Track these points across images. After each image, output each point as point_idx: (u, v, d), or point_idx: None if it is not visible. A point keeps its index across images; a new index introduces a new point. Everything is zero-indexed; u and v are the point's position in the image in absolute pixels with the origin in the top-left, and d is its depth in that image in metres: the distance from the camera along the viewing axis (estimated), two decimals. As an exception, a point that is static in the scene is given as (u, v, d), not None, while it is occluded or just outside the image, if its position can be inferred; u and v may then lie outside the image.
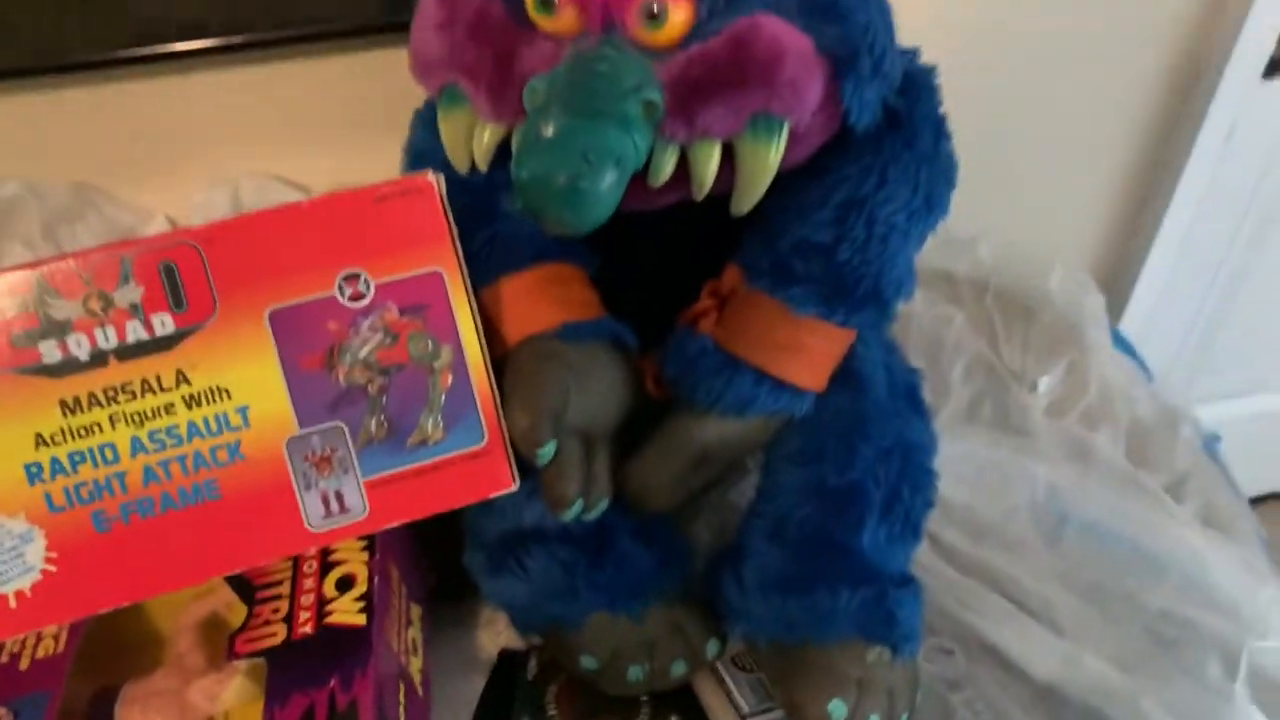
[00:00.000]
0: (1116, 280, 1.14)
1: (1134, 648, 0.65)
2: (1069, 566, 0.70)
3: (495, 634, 0.69)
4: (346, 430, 0.52)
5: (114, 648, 0.59)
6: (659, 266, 0.65)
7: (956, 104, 0.89)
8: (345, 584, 0.57)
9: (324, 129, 0.82)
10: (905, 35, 0.61)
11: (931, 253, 0.91)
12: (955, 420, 0.80)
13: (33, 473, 0.49)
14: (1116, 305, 1.15)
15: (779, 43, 0.51)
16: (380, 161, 0.78)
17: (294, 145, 0.83)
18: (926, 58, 0.63)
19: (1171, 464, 0.85)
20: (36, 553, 0.49)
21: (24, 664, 0.55)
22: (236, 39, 0.75)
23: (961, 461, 0.74)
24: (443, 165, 0.57)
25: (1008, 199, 1.01)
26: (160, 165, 0.81)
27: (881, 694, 0.57)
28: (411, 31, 0.57)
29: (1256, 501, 1.75)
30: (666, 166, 0.52)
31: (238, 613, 0.57)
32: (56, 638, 0.56)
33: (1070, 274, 0.89)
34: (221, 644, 0.55)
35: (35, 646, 0.56)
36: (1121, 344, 1.00)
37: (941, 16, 0.86)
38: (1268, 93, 1.05)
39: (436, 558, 0.68)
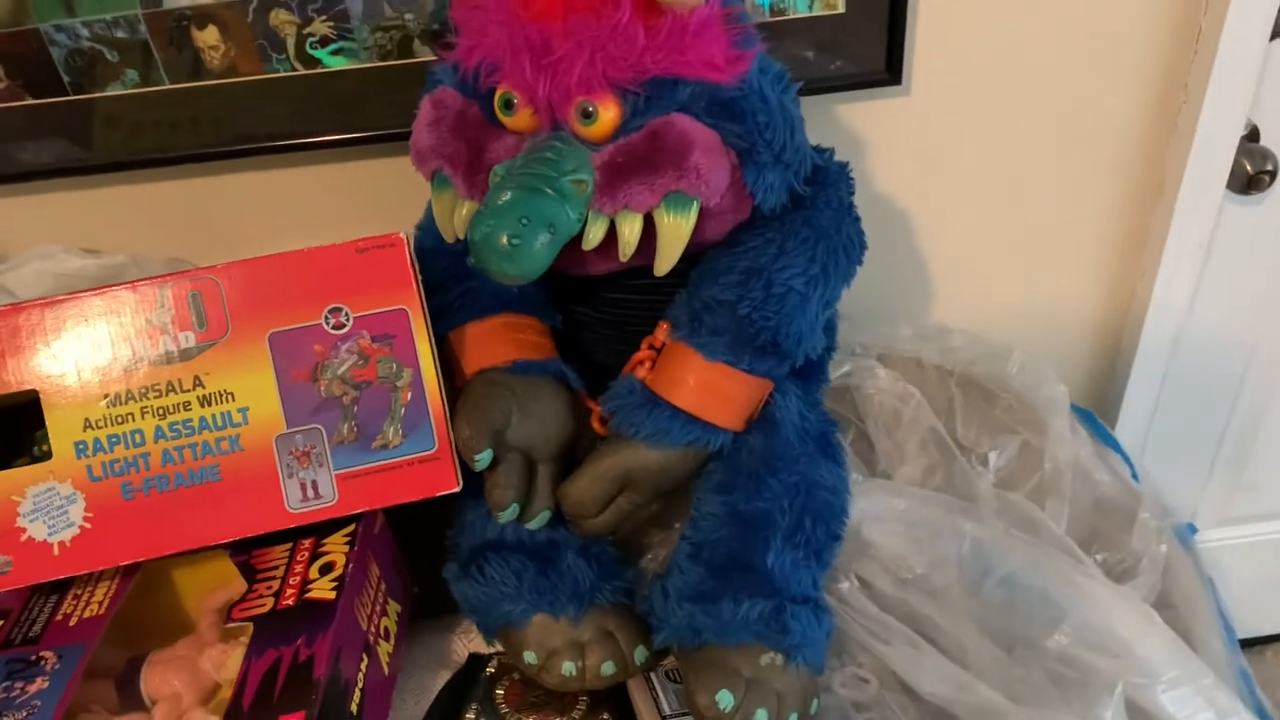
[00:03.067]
0: (1111, 386, 1.20)
1: (1032, 685, 0.71)
2: (985, 613, 0.77)
3: (467, 641, 0.79)
4: (324, 432, 0.65)
5: (149, 624, 0.72)
6: (616, 329, 0.77)
7: (936, 222, 1.01)
8: (326, 569, 0.69)
9: (367, 215, 0.97)
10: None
11: (905, 341, 1.01)
12: (906, 484, 0.88)
13: (80, 449, 0.63)
14: (1111, 410, 1.21)
15: (688, 135, 0.64)
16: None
17: (348, 230, 0.98)
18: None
19: (1127, 544, 0.90)
20: (78, 512, 0.63)
21: (73, 621, 0.68)
22: (304, 140, 0.92)
23: (898, 518, 0.82)
24: (438, 235, 0.71)
25: (992, 305, 1.10)
26: (240, 245, 0.98)
27: (771, 694, 0.65)
28: (412, 127, 0.72)
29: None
30: (597, 233, 0.65)
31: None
32: (101, 603, 0.69)
33: (1031, 363, 0.97)
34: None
35: (84, 608, 0.69)
36: (1108, 440, 1.05)
37: (925, 143, 0.98)
38: (1254, 209, 1.12)
39: (420, 570, 0.79)
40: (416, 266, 0.66)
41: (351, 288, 0.65)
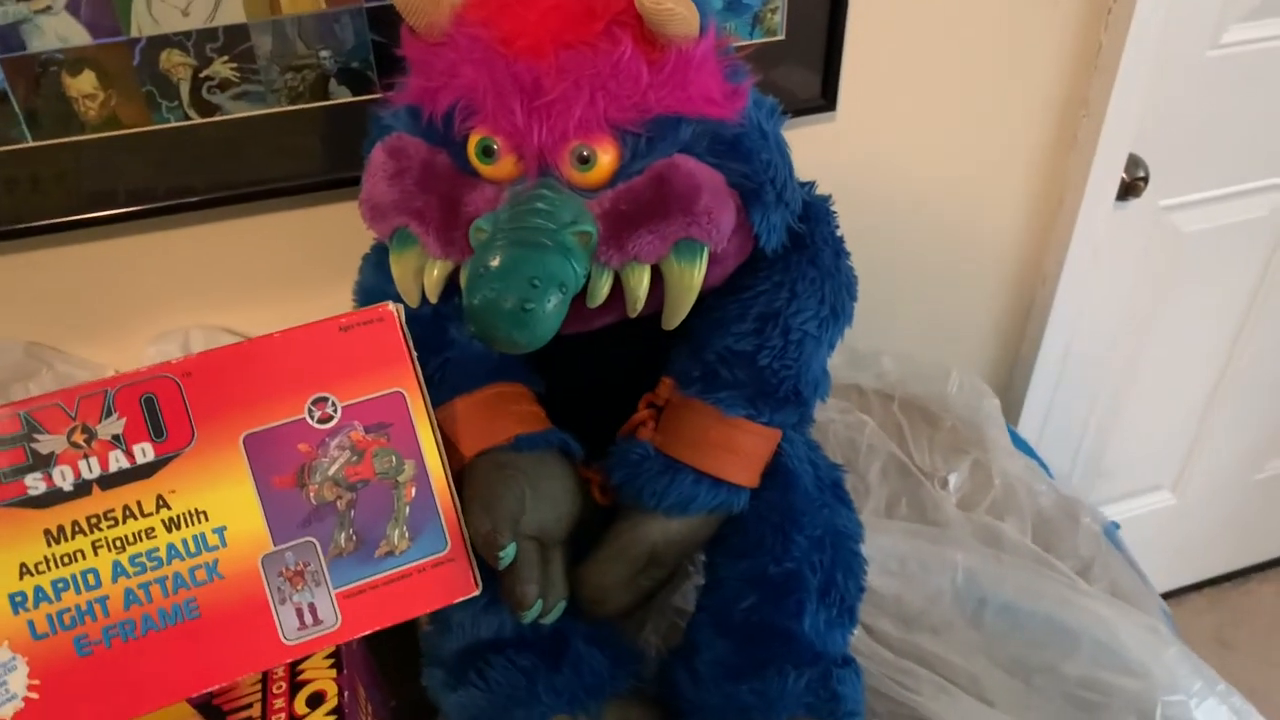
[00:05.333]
0: (1011, 388, 1.24)
1: (1058, 714, 0.70)
2: (991, 643, 0.75)
3: (454, 754, 0.70)
4: (318, 545, 0.55)
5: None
6: (598, 386, 0.70)
7: (865, 241, 1.00)
8: (315, 700, 0.59)
9: (265, 282, 0.87)
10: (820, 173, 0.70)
11: (841, 368, 0.99)
12: (876, 516, 0.86)
13: (17, 602, 0.51)
14: (1012, 410, 1.24)
15: (695, 178, 0.59)
16: (319, 310, 0.83)
17: (237, 298, 0.87)
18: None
19: (1076, 550, 0.91)
20: (19, 681, 0.51)
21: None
22: (181, 200, 0.80)
23: (885, 554, 0.79)
24: (393, 300, 0.62)
25: (907, 318, 1.10)
26: (111, 322, 0.84)
27: (833, 769, 0.61)
28: (363, 182, 0.63)
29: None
30: (603, 288, 0.59)
31: (201, 744, 0.58)
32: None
33: (967, 380, 0.97)
34: (184, 776, 0.56)
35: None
36: (1021, 444, 1.08)
37: (843, 165, 0.96)
38: (1123, 214, 1.18)
39: (394, 680, 0.70)
40: (410, 341, 0.57)
41: (337, 373, 0.56)
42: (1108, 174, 1.03)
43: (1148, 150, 1.13)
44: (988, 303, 1.13)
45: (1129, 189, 1.12)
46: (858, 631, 0.76)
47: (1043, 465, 1.06)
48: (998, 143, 0.99)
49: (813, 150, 0.93)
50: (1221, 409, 1.54)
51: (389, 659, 0.70)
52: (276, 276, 0.87)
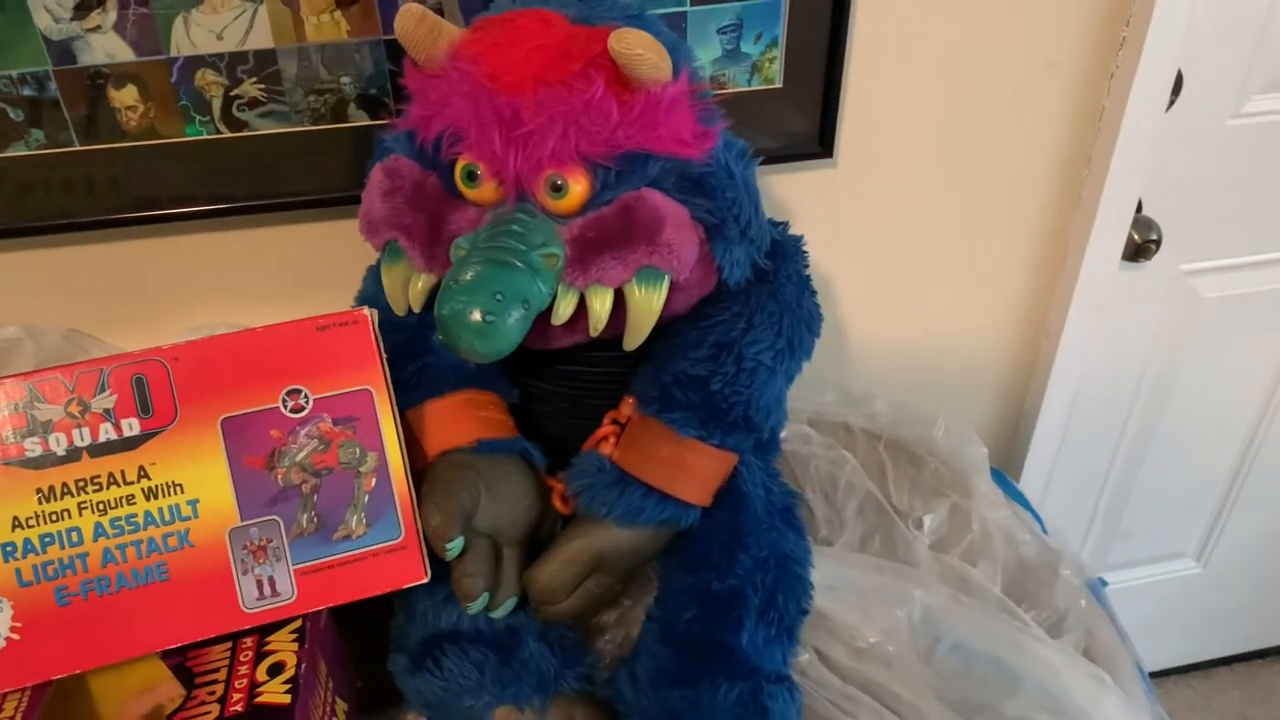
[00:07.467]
0: (1015, 442, 1.25)
1: (996, 752, 0.72)
2: (941, 681, 0.77)
3: (415, 738, 0.75)
4: (281, 523, 0.60)
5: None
6: (574, 403, 0.75)
7: (862, 289, 1.03)
8: (275, 669, 0.64)
9: (287, 287, 0.93)
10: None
11: (832, 406, 1.02)
12: (848, 550, 0.88)
13: (7, 551, 0.57)
14: (1014, 465, 1.25)
15: (659, 211, 0.63)
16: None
17: (263, 300, 0.93)
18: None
19: (1052, 601, 0.92)
20: (4, 622, 0.56)
21: (-20, 740, 0.61)
22: (219, 206, 0.86)
23: (847, 585, 0.82)
24: (384, 308, 0.68)
25: (906, 365, 1.13)
26: (145, 314, 0.92)
27: (753, 778, 0.64)
28: (363, 197, 0.69)
29: (1173, 673, 1.81)
30: (567, 308, 0.63)
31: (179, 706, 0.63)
32: (12, 718, 0.62)
33: (954, 427, 0.99)
34: (162, 736, 0.62)
35: (-7, 724, 0.62)
36: (1017, 496, 1.09)
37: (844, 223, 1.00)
38: (1138, 275, 1.19)
39: (363, 664, 0.74)
40: (381, 344, 0.63)
41: (311, 368, 0.61)
42: (1112, 234, 1.05)
43: (1165, 213, 1.14)
44: (990, 356, 1.15)
45: (1140, 250, 1.13)
46: (809, 656, 0.78)
47: (1037, 518, 1.07)
48: (1000, 197, 1.01)
49: (811, 197, 0.97)
50: (1250, 479, 1.52)
51: (362, 645, 0.75)
52: (297, 282, 0.93)
